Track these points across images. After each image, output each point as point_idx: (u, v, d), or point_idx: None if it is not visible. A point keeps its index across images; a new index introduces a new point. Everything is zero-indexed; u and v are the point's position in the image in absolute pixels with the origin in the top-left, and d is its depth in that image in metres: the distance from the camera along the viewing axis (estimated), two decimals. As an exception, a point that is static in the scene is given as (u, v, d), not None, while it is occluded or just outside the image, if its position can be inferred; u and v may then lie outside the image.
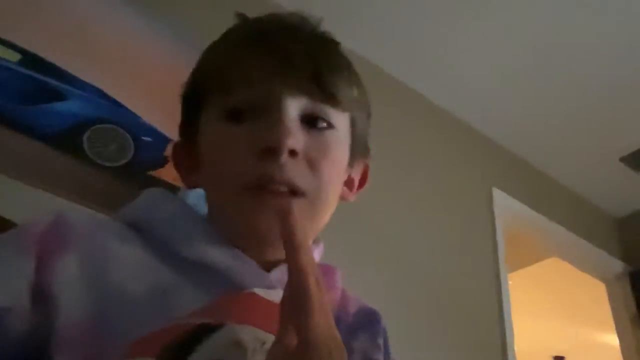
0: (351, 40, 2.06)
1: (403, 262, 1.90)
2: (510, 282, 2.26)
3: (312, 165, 0.45)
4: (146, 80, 1.43)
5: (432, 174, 2.24)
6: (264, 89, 0.46)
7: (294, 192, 0.44)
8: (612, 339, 2.81)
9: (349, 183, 0.55)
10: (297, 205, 0.43)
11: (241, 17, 0.53)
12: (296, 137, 0.44)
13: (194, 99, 0.51)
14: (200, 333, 0.36)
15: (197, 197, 0.56)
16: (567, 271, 3.03)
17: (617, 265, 2.75)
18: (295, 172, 0.44)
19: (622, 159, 2.62)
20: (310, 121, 0.47)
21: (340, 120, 0.49)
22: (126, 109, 1.34)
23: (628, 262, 2.78)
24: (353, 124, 0.52)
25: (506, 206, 2.42)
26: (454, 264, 2.06)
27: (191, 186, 0.52)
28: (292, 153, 0.43)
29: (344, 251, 1.65)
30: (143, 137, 1.33)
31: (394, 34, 2.15)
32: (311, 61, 0.47)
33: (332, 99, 0.48)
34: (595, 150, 2.60)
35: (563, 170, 2.76)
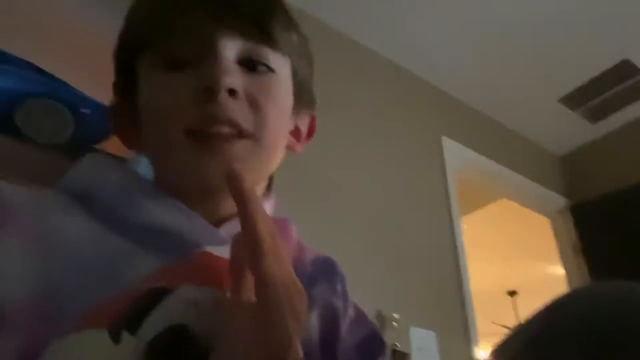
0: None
1: (357, 211, 1.95)
2: (463, 226, 2.36)
3: (255, 105, 0.45)
4: (76, 49, 1.35)
5: (382, 125, 2.27)
6: (200, 34, 0.45)
7: (238, 133, 0.43)
8: (559, 270, 3.01)
9: (296, 133, 0.55)
10: (242, 147, 0.43)
11: None
12: (233, 76, 0.43)
13: (128, 55, 0.49)
14: (154, 297, 0.35)
15: (147, 166, 0.54)
16: (515, 210, 3.20)
17: (560, 201, 2.93)
18: (236, 111, 0.43)
19: (561, 100, 2.74)
20: (250, 65, 0.46)
21: (280, 64, 0.49)
22: (61, 80, 1.26)
23: (570, 197, 2.96)
24: (294, 70, 0.52)
25: (455, 153, 2.50)
26: (408, 212, 2.13)
27: (134, 150, 0.51)
28: (232, 92, 0.43)
29: (298, 204, 1.67)
30: (82, 110, 1.26)
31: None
32: (249, 5, 0.46)
33: (270, 41, 0.47)
34: (536, 92, 2.70)
35: (507, 114, 2.86)
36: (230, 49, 0.45)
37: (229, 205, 0.46)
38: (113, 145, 1.27)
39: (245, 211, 0.32)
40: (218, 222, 0.45)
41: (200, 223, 0.44)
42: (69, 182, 0.47)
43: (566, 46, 2.42)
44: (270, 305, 0.29)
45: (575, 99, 2.73)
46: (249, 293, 0.32)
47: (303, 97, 0.54)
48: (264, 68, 0.47)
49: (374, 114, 2.27)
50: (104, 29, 1.37)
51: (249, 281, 0.32)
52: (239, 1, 0.46)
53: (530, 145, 3.05)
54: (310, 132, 0.57)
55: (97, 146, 1.30)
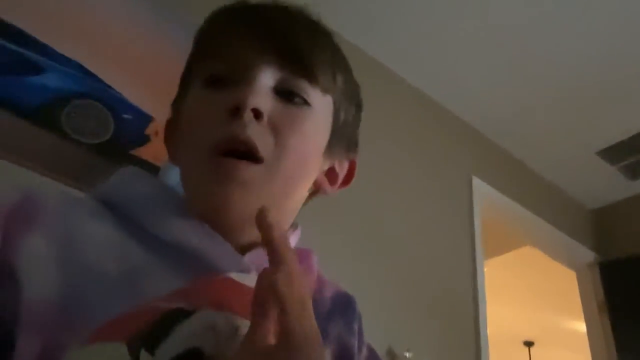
0: (338, 22, 2.05)
1: (383, 245, 1.93)
2: (485, 269, 2.31)
3: (277, 133, 0.44)
4: (128, 57, 1.40)
5: (414, 159, 2.26)
6: (241, 59, 0.46)
7: (253, 156, 0.43)
8: (580, 326, 2.91)
9: (331, 175, 0.54)
10: (254, 171, 0.43)
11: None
12: (260, 97, 0.44)
13: (186, 72, 0.52)
14: (173, 318, 0.36)
15: (176, 178, 0.55)
16: (540, 259, 3.11)
17: (588, 255, 2.83)
18: (256, 133, 0.43)
19: (599, 153, 2.67)
20: (287, 95, 0.46)
21: (319, 100, 0.48)
22: (107, 85, 1.31)
23: (599, 252, 2.86)
24: (336, 110, 0.51)
25: (485, 194, 2.46)
26: (432, 249, 2.10)
27: (176, 163, 0.51)
28: (256, 114, 0.43)
29: (324, 235, 1.67)
30: (124, 115, 1.30)
31: (383, 20, 2.14)
32: (295, 36, 0.47)
33: (309, 75, 0.47)
34: (573, 142, 2.65)
35: (541, 161, 2.81)
36: (268, 75, 0.46)
37: (253, 232, 0.46)
38: (148, 152, 1.31)
39: (277, 256, 0.33)
40: (243, 248, 0.45)
41: (225, 248, 0.43)
42: (102, 190, 0.48)
43: (610, 99, 2.38)
44: (290, 357, 0.29)
45: (615, 154, 2.66)
46: (268, 334, 0.32)
47: (343, 139, 0.53)
48: (300, 100, 0.47)
49: (407, 147, 2.26)
50: (156, 41, 1.42)
51: (271, 322, 0.32)
52: (283, 32, 0.47)
53: (562, 195, 2.98)
54: (349, 178, 0.56)
55: (133, 151, 1.33)
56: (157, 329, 0.35)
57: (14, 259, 0.37)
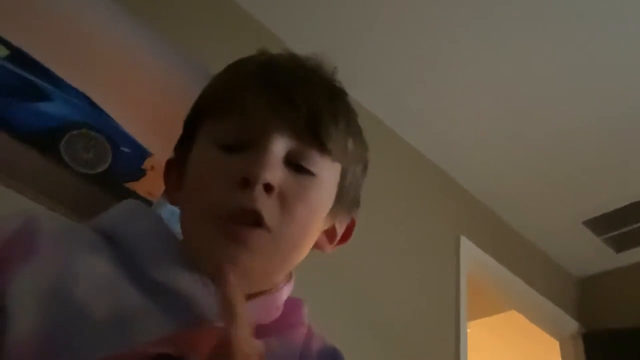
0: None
1: (367, 301, 1.91)
2: (468, 330, 2.28)
3: (285, 204, 0.45)
4: (134, 91, 1.44)
5: (403, 217, 2.27)
6: (255, 123, 0.46)
7: (259, 222, 0.44)
8: (562, 398, 2.84)
9: (329, 233, 0.55)
10: (259, 236, 0.44)
11: (260, 50, 0.53)
12: (273, 172, 0.44)
13: (193, 120, 0.51)
14: None
15: (169, 212, 0.56)
16: (524, 325, 3.08)
17: (572, 325, 2.81)
18: (265, 206, 0.43)
19: (585, 223, 2.71)
20: (294, 165, 0.47)
21: (326, 169, 0.49)
22: (109, 117, 1.34)
23: (583, 323, 2.84)
24: (343, 175, 0.52)
25: (472, 255, 2.47)
26: (417, 307, 2.08)
27: (174, 203, 0.52)
28: (267, 187, 0.43)
29: (308, 289, 1.65)
30: (122, 148, 1.32)
31: (376, 71, 2.21)
32: (310, 104, 0.47)
33: (321, 147, 0.47)
34: (562, 211, 2.69)
35: (529, 226, 2.83)
36: (280, 145, 0.45)
37: (250, 286, 0.47)
38: (142, 186, 1.32)
39: (230, 313, 0.33)
40: None
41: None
42: (103, 222, 0.48)
43: (598, 171, 2.44)
44: None
45: (601, 225, 2.70)
46: None
47: (347, 200, 0.54)
48: (308, 169, 0.47)
49: (397, 203, 2.28)
50: (163, 78, 1.46)
51: None
52: (300, 100, 0.47)
53: (547, 261, 2.99)
54: (347, 236, 0.57)
55: (127, 184, 1.34)
56: None
57: (4, 290, 0.37)
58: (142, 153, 1.31)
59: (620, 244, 2.80)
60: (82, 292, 0.39)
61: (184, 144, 0.52)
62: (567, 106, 2.17)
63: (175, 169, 0.53)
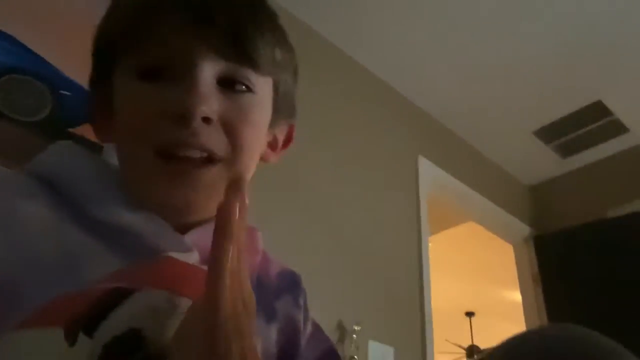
0: None
1: (331, 223, 1.96)
2: (430, 244, 2.40)
3: (229, 129, 0.44)
4: (66, 29, 1.33)
5: (363, 140, 2.30)
6: (178, 49, 0.43)
7: (210, 158, 0.43)
8: (517, 296, 3.09)
9: (272, 143, 0.54)
10: (214, 173, 0.43)
11: None
12: (209, 103, 0.42)
13: (106, 51, 0.47)
14: (113, 298, 0.35)
15: None
16: (481, 235, 3.27)
17: (524, 230, 3.01)
18: (209, 137, 0.42)
19: (535, 132, 2.82)
20: (228, 84, 0.45)
21: (261, 83, 0.47)
22: (44, 60, 1.24)
23: (534, 227, 3.04)
24: (276, 87, 0.50)
25: (430, 173, 2.55)
26: (380, 226, 2.16)
27: (105, 142, 0.50)
28: (206, 120, 0.42)
29: (268, 209, 1.67)
30: (62, 91, 1.24)
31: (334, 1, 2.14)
32: (232, 20, 0.44)
33: (252, 63, 0.45)
34: (513, 123, 2.78)
35: (483, 141, 2.93)
36: (209, 69, 0.43)
37: (196, 217, 0.46)
38: (91, 130, 1.25)
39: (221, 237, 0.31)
40: (183, 228, 0.44)
41: (165, 229, 0.43)
42: (37, 166, 0.45)
43: (544, 83, 2.51)
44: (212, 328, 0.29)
45: (549, 134, 2.82)
46: None
47: (283, 108, 0.53)
48: (243, 87, 0.46)
49: (355, 126, 2.29)
50: (93, 12, 1.34)
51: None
52: (220, 18, 0.44)
53: (501, 173, 3.13)
54: (288, 141, 0.56)
55: (73, 130, 1.27)
56: (95, 310, 0.34)
57: None
58: (85, 94, 1.24)
59: (567, 150, 2.94)
60: (25, 238, 0.38)
61: (102, 77, 0.48)
62: (515, 19, 2.17)
63: (98, 105, 0.49)
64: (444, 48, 2.35)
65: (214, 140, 0.43)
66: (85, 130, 1.26)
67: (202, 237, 0.44)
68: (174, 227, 0.43)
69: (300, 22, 2.19)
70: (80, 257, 0.39)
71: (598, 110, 2.63)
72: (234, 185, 0.32)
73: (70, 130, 1.26)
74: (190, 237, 0.44)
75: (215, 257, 0.30)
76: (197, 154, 0.42)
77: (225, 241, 0.30)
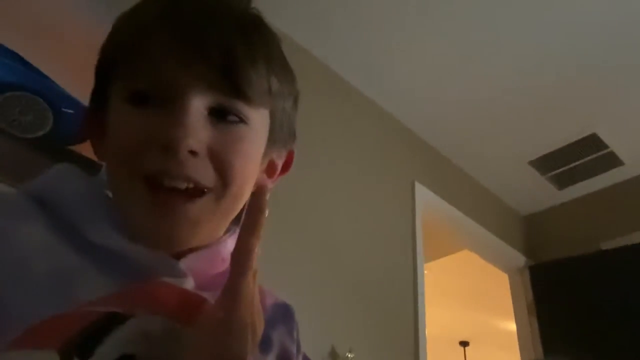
0: (282, 21, 2.06)
1: (326, 248, 1.95)
2: (425, 271, 2.39)
3: (218, 160, 0.43)
4: (70, 49, 1.35)
5: (359, 166, 2.31)
6: (169, 78, 0.42)
7: (196, 189, 0.42)
8: (512, 326, 3.06)
9: (270, 169, 0.53)
10: (201, 205, 0.43)
11: None
12: (196, 136, 0.41)
13: (104, 68, 0.47)
14: (107, 324, 0.35)
15: None
16: (476, 263, 3.26)
17: (520, 259, 3.00)
18: (195, 168, 0.42)
19: (531, 163, 2.84)
20: (220, 114, 0.44)
21: (254, 114, 0.46)
22: (46, 77, 1.25)
23: (529, 256, 3.04)
24: (272, 116, 0.49)
25: (426, 200, 2.55)
26: (375, 252, 2.15)
27: (101, 159, 0.49)
28: (192, 152, 0.41)
29: (266, 239, 1.66)
30: (64, 109, 1.25)
31: (331, 24, 2.17)
32: (225, 51, 0.43)
33: (244, 97, 0.44)
34: (508, 153, 2.81)
35: (480, 169, 2.95)
36: (201, 102, 0.42)
37: (180, 247, 0.45)
38: (90, 149, 1.26)
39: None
40: (177, 254, 0.44)
41: (160, 255, 0.43)
42: (34, 186, 0.45)
43: (540, 115, 2.54)
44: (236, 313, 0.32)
45: (545, 164, 2.84)
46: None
47: (281, 135, 0.52)
48: (235, 118, 0.44)
49: (353, 151, 2.30)
50: (96, 28, 1.36)
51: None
52: (211, 48, 0.43)
53: (497, 202, 3.14)
54: (286, 167, 0.55)
55: (74, 147, 1.28)
56: (90, 335, 0.34)
57: None
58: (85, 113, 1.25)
59: (562, 181, 2.97)
60: (18, 256, 0.38)
61: (100, 93, 0.48)
62: (510, 50, 2.22)
63: (95, 120, 0.48)
64: (443, 76, 2.39)
65: (200, 171, 0.42)
66: (85, 148, 1.27)
67: (197, 263, 0.44)
68: (168, 253, 0.43)
69: (295, 45, 2.23)
70: (73, 277, 0.38)
71: (593, 142, 2.66)
72: (257, 206, 0.37)
73: (71, 147, 1.26)
74: (185, 263, 0.44)
75: (238, 272, 0.33)
76: (183, 185, 0.41)
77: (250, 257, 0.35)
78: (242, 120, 0.45)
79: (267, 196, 0.39)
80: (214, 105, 0.43)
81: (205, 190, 0.43)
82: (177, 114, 0.41)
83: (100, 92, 0.48)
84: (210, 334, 0.34)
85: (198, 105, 0.42)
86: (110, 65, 0.46)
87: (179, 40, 0.43)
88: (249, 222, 0.37)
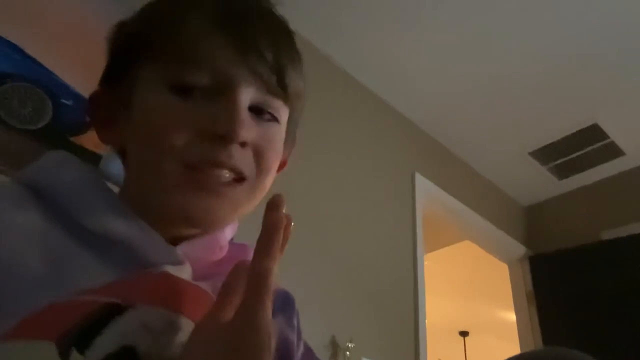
0: (281, 12, 2.05)
1: (327, 239, 1.96)
2: (425, 262, 2.40)
3: (259, 154, 0.46)
4: (70, 40, 1.34)
5: (360, 157, 2.30)
6: (222, 71, 0.43)
7: (237, 178, 0.44)
8: (512, 316, 3.08)
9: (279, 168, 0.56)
10: (241, 191, 0.45)
11: None
12: (249, 129, 0.43)
13: (134, 49, 0.46)
14: (107, 314, 0.35)
15: (119, 168, 0.53)
16: (476, 253, 3.27)
17: (520, 249, 3.01)
18: (242, 160, 0.44)
19: (531, 153, 2.84)
20: (257, 111, 0.46)
21: (284, 113, 0.49)
22: (45, 68, 1.25)
23: (529, 246, 3.05)
24: (291, 114, 0.52)
25: (426, 190, 2.55)
26: (375, 243, 2.15)
27: (107, 142, 0.49)
28: (242, 144, 0.44)
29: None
30: (63, 100, 1.25)
31: (329, 14, 2.16)
32: (274, 52, 0.46)
33: (285, 96, 0.48)
34: (509, 143, 2.80)
35: (479, 159, 2.95)
36: (247, 95, 0.45)
37: (212, 227, 0.46)
38: (90, 140, 1.26)
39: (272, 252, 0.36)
40: (174, 240, 0.44)
41: (156, 239, 0.43)
42: (28, 175, 0.45)
43: (541, 105, 2.53)
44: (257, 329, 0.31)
45: (546, 155, 2.84)
46: (229, 315, 0.34)
47: (291, 135, 0.54)
48: (269, 117, 0.47)
49: (353, 143, 2.30)
50: (100, 24, 1.36)
51: (234, 305, 0.34)
52: (265, 48, 0.45)
53: (498, 193, 3.14)
54: (282, 166, 0.56)
55: (73, 138, 1.28)
56: (89, 325, 0.34)
57: None
58: (85, 104, 1.24)
59: (563, 172, 2.96)
60: (13, 246, 0.37)
61: (120, 76, 0.47)
62: (512, 40, 2.20)
63: (107, 103, 0.48)
64: (443, 67, 2.38)
65: (245, 163, 0.45)
66: (85, 139, 1.27)
67: (193, 249, 0.45)
68: (164, 240, 0.43)
69: (299, 37, 2.22)
70: (69, 265, 0.38)
71: (594, 133, 2.65)
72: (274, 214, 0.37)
73: (70, 138, 1.26)
74: (181, 249, 0.44)
75: (260, 275, 0.34)
76: (227, 174, 0.44)
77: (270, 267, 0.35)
78: (275, 118, 0.48)
79: (284, 209, 0.38)
80: (255, 102, 0.46)
81: (245, 179, 0.45)
82: (231, 106, 0.43)
83: (120, 72, 0.48)
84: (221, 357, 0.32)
85: (246, 100, 0.44)
86: (142, 45, 0.46)
87: (233, 35, 0.44)
88: (263, 240, 0.36)
